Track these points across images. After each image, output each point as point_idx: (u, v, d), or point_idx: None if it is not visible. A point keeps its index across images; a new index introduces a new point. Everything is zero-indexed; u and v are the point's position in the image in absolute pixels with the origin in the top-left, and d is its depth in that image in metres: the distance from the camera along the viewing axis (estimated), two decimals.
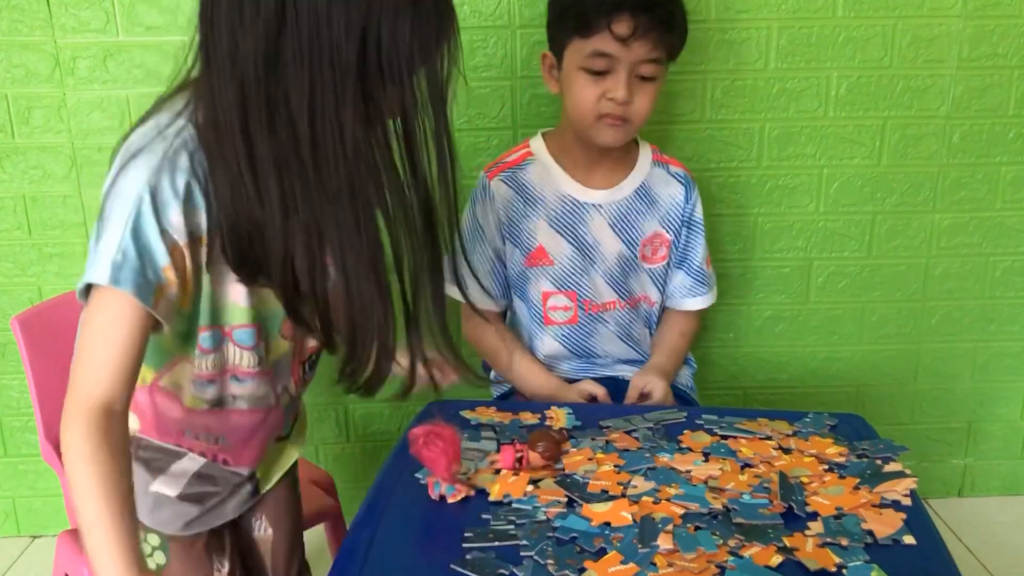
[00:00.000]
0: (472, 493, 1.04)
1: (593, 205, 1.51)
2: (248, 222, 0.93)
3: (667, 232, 1.55)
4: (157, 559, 1.15)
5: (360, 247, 0.93)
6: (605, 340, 1.55)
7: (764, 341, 1.95)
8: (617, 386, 1.52)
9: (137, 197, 0.90)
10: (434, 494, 1.04)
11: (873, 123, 1.83)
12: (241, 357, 1.07)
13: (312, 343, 1.16)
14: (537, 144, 1.55)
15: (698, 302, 1.59)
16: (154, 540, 1.14)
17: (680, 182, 1.55)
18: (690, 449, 1.13)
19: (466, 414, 1.26)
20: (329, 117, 0.88)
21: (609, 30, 1.35)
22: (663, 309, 1.62)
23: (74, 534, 1.28)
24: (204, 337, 1.03)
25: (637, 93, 1.40)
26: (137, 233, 0.89)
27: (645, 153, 1.55)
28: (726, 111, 1.80)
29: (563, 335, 1.54)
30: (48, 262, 1.85)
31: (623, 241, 1.52)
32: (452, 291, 1.48)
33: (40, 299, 1.87)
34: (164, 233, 0.91)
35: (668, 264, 1.57)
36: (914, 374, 2.00)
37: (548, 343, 1.54)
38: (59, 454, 1.12)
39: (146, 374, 1.05)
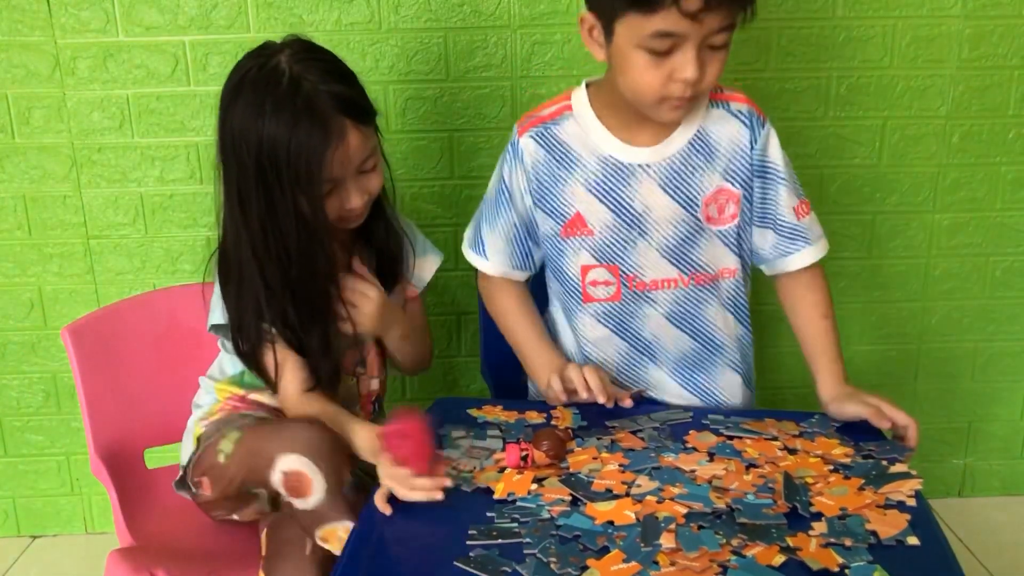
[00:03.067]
0: (448, 484, 1.03)
1: (640, 166, 1.27)
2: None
3: (733, 186, 1.29)
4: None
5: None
6: (655, 325, 1.34)
7: (764, 341, 1.95)
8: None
9: None
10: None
11: (873, 123, 1.83)
12: None
13: (373, 386, 1.45)
14: (579, 97, 1.31)
15: (797, 260, 1.32)
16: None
17: (743, 122, 1.28)
18: (695, 449, 1.12)
19: (472, 412, 1.26)
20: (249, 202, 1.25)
21: (677, 6, 1.08)
22: (745, 280, 1.37)
23: (122, 552, 1.28)
24: None
25: (711, 61, 1.15)
26: None
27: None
28: None
29: (604, 314, 1.34)
30: (48, 262, 1.85)
31: (680, 203, 1.28)
32: (469, 255, 1.41)
33: (40, 299, 1.87)
34: None
35: (741, 224, 1.31)
36: (914, 374, 2.00)
37: (589, 325, 1.35)
38: (109, 469, 1.32)
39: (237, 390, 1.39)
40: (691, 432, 1.17)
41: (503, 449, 1.11)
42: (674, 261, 1.31)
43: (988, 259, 1.93)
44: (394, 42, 1.74)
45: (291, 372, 1.32)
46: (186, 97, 1.76)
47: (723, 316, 1.36)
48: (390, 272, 1.42)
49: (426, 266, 1.49)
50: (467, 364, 1.92)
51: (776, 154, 1.30)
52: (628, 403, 1.28)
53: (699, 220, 1.29)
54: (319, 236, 1.26)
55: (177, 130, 1.77)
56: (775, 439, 1.15)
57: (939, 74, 1.80)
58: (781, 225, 1.31)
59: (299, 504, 1.14)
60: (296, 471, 1.13)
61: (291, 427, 1.20)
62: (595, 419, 1.23)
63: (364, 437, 1.21)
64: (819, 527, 0.94)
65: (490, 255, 1.38)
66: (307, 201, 1.22)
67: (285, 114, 1.19)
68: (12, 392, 1.93)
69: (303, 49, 1.26)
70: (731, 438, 1.15)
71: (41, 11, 1.70)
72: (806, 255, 1.32)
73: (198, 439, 1.33)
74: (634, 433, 1.18)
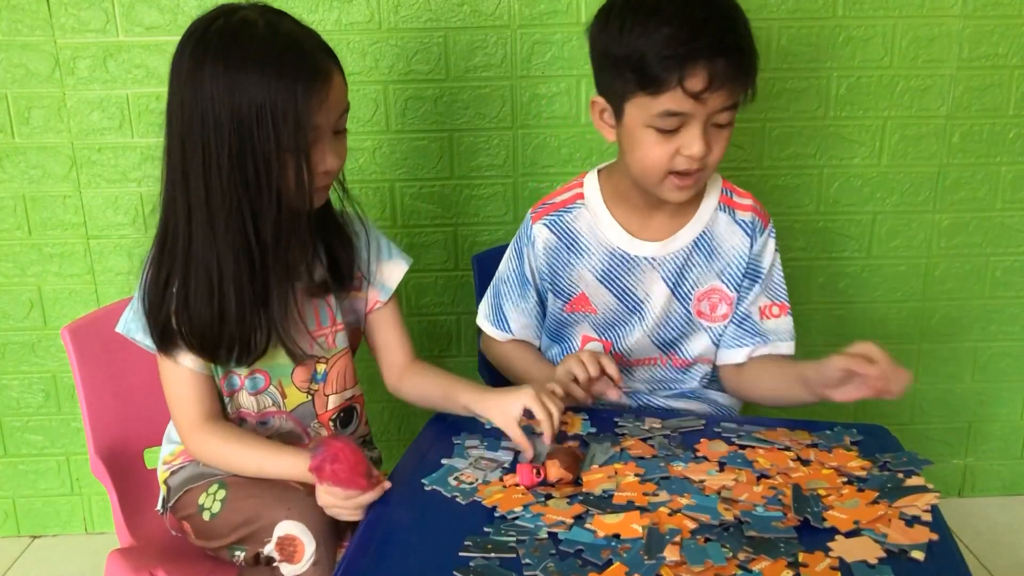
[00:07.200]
0: (388, 485, 1.06)
1: (646, 259, 1.34)
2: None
3: (728, 288, 1.36)
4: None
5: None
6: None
7: None
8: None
9: None
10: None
11: (873, 123, 1.83)
12: (255, 402, 1.27)
13: (332, 403, 1.33)
14: (590, 185, 1.38)
15: (741, 354, 1.37)
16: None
17: (745, 231, 1.34)
18: (706, 458, 1.11)
19: (480, 417, 1.24)
20: (214, 169, 1.11)
21: (681, 87, 1.15)
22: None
23: (122, 552, 1.28)
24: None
25: (716, 140, 1.22)
26: None
27: (712, 193, 1.36)
28: None
29: None
30: (48, 262, 1.85)
31: (676, 297, 1.35)
32: (490, 330, 1.45)
33: (40, 299, 1.87)
34: None
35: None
36: (914, 374, 2.00)
37: None
38: (109, 469, 1.31)
39: None
40: (702, 440, 1.16)
41: (514, 466, 1.09)
42: (658, 344, 1.39)
43: (988, 259, 1.93)
44: (394, 42, 1.74)
45: (196, 392, 1.22)
46: None
47: (692, 386, 1.42)
48: (342, 273, 1.30)
49: (393, 272, 1.36)
50: (467, 364, 1.92)
51: (767, 259, 1.36)
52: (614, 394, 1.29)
53: (690, 314, 1.37)
54: (296, 210, 1.15)
55: None
56: (788, 449, 1.13)
57: (939, 74, 1.80)
58: (741, 317, 1.37)
59: (287, 570, 1.13)
60: (291, 536, 1.12)
61: (289, 493, 1.16)
62: (604, 424, 1.22)
63: (295, 464, 1.16)
64: (837, 548, 0.91)
65: (516, 331, 1.44)
66: (293, 154, 1.11)
67: (269, 58, 1.08)
68: (12, 392, 1.93)
69: (263, 5, 1.16)
70: (743, 447, 1.13)
71: (41, 11, 1.70)
72: (752, 352, 1.36)
73: (166, 484, 1.31)
74: (644, 440, 1.16)
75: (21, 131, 1.77)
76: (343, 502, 1.06)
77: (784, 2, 1.75)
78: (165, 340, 1.19)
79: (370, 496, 1.05)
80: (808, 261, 1.90)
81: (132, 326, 1.23)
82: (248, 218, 1.13)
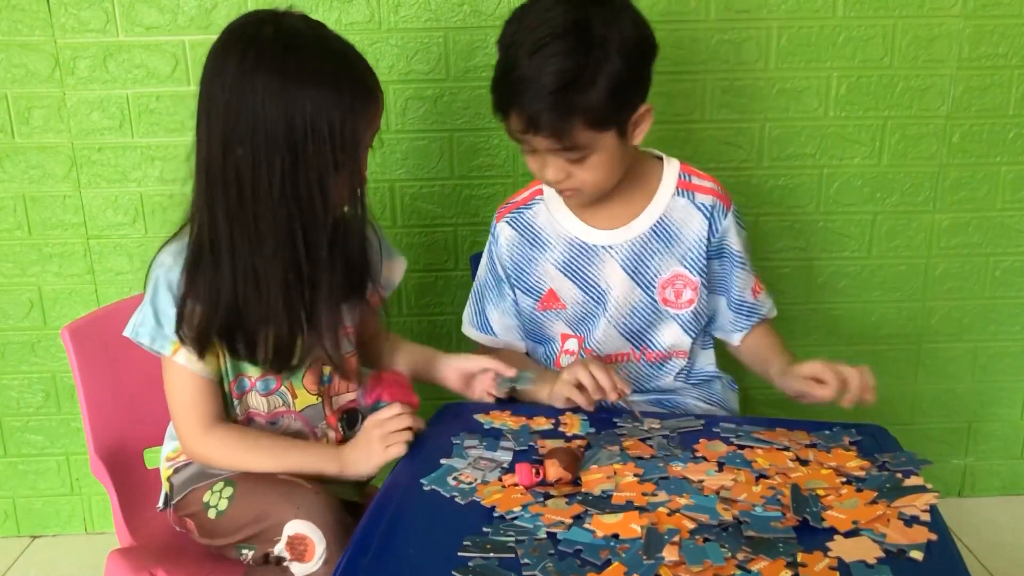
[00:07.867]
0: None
1: (603, 247, 1.36)
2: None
3: (691, 273, 1.37)
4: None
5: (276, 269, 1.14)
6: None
7: None
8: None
9: None
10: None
11: (873, 123, 1.83)
12: (265, 403, 1.26)
13: (341, 401, 1.33)
14: None
15: (737, 337, 1.45)
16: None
17: (704, 214, 1.35)
18: (704, 458, 1.11)
19: (479, 417, 1.25)
20: (264, 179, 1.10)
21: (507, 123, 1.24)
22: (693, 354, 1.44)
23: (122, 552, 1.28)
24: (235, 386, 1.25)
25: (576, 169, 1.24)
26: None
27: (669, 177, 1.37)
28: (726, 111, 1.80)
29: None
30: (48, 262, 1.85)
31: (638, 285, 1.36)
32: (474, 335, 1.46)
33: (40, 299, 1.87)
34: None
35: (698, 309, 1.38)
36: (914, 374, 2.00)
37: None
38: (109, 469, 1.31)
39: None
40: (701, 440, 1.16)
41: (513, 466, 1.08)
42: (629, 337, 1.40)
43: (988, 259, 1.93)
44: (394, 42, 1.74)
45: (204, 396, 1.21)
46: (186, 97, 1.75)
47: (674, 385, 1.44)
48: (358, 279, 1.29)
49: (395, 270, 1.39)
50: None
51: (735, 240, 1.39)
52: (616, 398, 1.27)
53: (655, 302, 1.38)
54: (346, 218, 1.18)
55: (177, 130, 1.77)
56: (787, 449, 1.13)
57: (939, 74, 1.80)
58: (739, 303, 1.42)
59: (297, 569, 1.13)
60: (301, 535, 1.12)
61: (297, 492, 1.16)
62: (604, 425, 1.22)
63: (311, 453, 1.22)
64: (836, 548, 0.91)
65: (499, 333, 1.46)
66: (346, 169, 1.12)
67: (326, 72, 1.10)
68: (12, 392, 1.93)
69: (300, 13, 1.18)
70: (741, 447, 1.13)
71: (41, 11, 1.70)
72: (751, 328, 1.44)
73: (169, 482, 1.30)
74: (643, 440, 1.16)
75: (21, 131, 1.77)
76: (396, 423, 1.16)
77: (784, 2, 1.75)
78: (201, 342, 1.17)
79: (418, 423, 1.18)
80: (808, 261, 1.90)
81: (140, 330, 1.19)
82: (299, 231, 1.13)
